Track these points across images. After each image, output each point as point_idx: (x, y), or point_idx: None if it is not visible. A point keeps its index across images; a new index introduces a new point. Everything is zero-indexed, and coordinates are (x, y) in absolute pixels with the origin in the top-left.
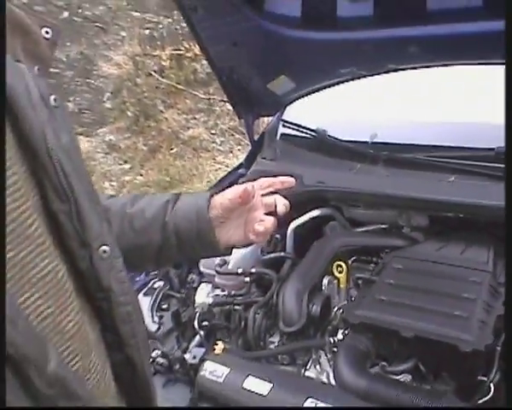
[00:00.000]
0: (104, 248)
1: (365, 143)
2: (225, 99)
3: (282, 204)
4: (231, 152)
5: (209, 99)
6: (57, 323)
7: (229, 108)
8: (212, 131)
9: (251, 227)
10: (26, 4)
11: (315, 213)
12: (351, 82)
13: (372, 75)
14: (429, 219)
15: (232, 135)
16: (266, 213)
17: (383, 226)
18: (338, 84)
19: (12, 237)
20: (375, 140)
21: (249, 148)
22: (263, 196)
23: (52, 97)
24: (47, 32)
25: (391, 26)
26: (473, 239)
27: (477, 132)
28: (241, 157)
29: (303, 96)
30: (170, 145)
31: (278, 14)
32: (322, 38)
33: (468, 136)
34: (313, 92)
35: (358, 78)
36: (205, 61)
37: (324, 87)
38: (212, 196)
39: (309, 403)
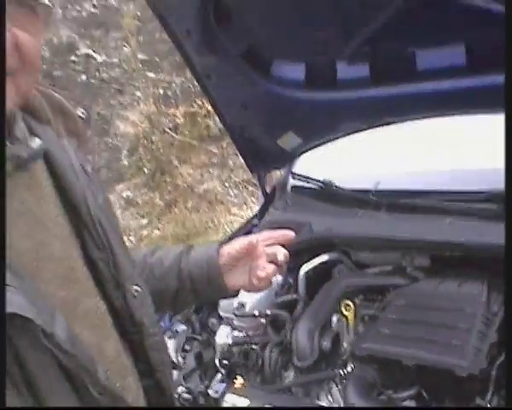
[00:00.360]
0: (136, 288)
1: (369, 191)
2: (237, 153)
3: (281, 254)
4: (245, 204)
5: (222, 153)
6: (100, 349)
7: (242, 161)
8: (226, 184)
9: (255, 274)
10: (54, 79)
11: (324, 257)
12: (353, 135)
13: (371, 128)
14: (431, 258)
15: (246, 187)
16: (269, 262)
17: (387, 268)
18: (341, 137)
19: (64, 279)
20: (378, 188)
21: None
22: (266, 245)
23: (89, 166)
24: (82, 113)
25: (386, 85)
26: (468, 274)
27: (469, 177)
28: (256, 208)
29: (310, 150)
30: (185, 199)
31: (284, 78)
32: (325, 97)
33: (462, 180)
34: (319, 146)
35: (359, 131)
36: (217, 118)
37: (329, 141)
38: (221, 246)
39: None
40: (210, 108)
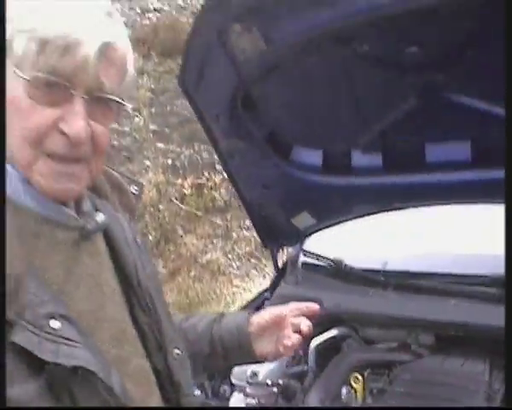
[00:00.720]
0: (177, 351)
1: (377, 271)
2: (242, 226)
3: (306, 325)
4: (247, 276)
5: (226, 225)
6: (145, 404)
7: (246, 234)
8: (229, 256)
9: (281, 343)
10: None
11: (333, 332)
12: (363, 218)
13: (381, 212)
14: (435, 337)
15: (248, 260)
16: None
17: (393, 344)
18: (352, 219)
19: (117, 339)
20: (386, 268)
21: (267, 272)
22: (292, 316)
23: (139, 238)
24: (134, 189)
25: (396, 174)
26: (471, 353)
27: (472, 261)
28: (257, 281)
29: (322, 230)
30: (189, 269)
31: (302, 162)
32: (340, 182)
33: (464, 264)
34: (331, 226)
35: (370, 214)
36: (223, 190)
37: (340, 222)
38: (250, 315)
39: None
40: (217, 180)
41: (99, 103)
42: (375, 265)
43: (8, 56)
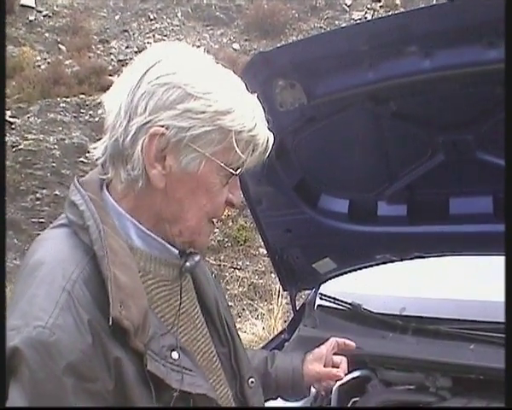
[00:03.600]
0: (252, 379)
1: (395, 315)
2: (235, 266)
3: (345, 363)
4: (240, 316)
5: (219, 265)
6: None
7: (238, 274)
8: None
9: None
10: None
11: (355, 374)
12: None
13: (403, 260)
14: (452, 380)
15: (241, 300)
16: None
17: (411, 387)
18: (371, 266)
19: (206, 369)
20: (404, 313)
21: (260, 312)
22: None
23: (213, 275)
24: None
25: (420, 224)
26: (493, 397)
27: (491, 309)
28: (250, 321)
29: (341, 275)
30: None
31: (329, 210)
32: (364, 230)
33: (484, 311)
34: (350, 272)
35: (389, 262)
36: (216, 230)
37: (360, 268)
38: (304, 356)
39: None
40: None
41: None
42: (393, 310)
43: (201, 145)
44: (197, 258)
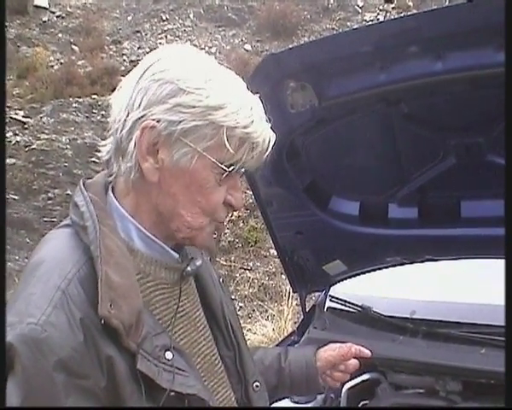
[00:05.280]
0: (257, 383)
1: (406, 318)
2: (245, 267)
3: (354, 366)
4: (250, 317)
5: (230, 266)
6: None
7: (249, 275)
8: (232, 297)
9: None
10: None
11: (365, 376)
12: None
13: (414, 263)
14: (463, 384)
15: (251, 301)
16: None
17: (420, 390)
18: (381, 269)
19: (207, 372)
20: (414, 316)
21: (270, 313)
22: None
23: (221, 278)
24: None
25: (431, 227)
26: (503, 401)
27: (502, 313)
28: (260, 322)
29: (351, 277)
30: None
31: (339, 212)
32: (375, 232)
33: (495, 315)
34: (360, 274)
35: (400, 264)
36: (227, 230)
37: (370, 271)
38: (316, 351)
39: None
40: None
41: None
42: (403, 313)
43: (193, 139)
44: (198, 263)
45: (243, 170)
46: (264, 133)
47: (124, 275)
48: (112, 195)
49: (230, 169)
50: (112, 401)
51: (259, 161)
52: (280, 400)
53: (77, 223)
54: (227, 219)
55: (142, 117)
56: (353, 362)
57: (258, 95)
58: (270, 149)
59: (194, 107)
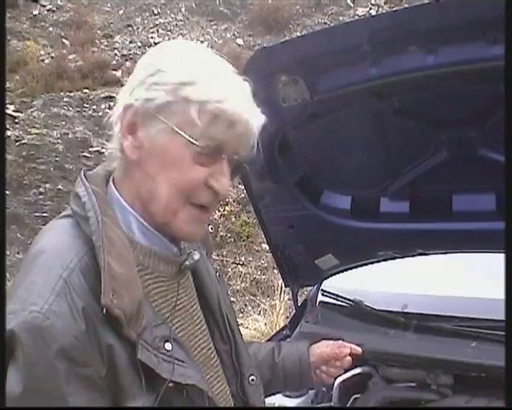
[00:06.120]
0: (252, 377)
1: (397, 312)
2: (237, 262)
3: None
4: (242, 312)
5: (222, 261)
6: None
7: (241, 269)
8: None
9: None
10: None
11: (356, 370)
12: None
13: (405, 257)
14: (454, 378)
15: (243, 295)
16: None
17: (412, 384)
18: (373, 263)
19: (204, 365)
20: (406, 310)
21: (262, 308)
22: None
23: (218, 273)
24: (211, 228)
25: (423, 221)
26: (494, 394)
27: (493, 306)
28: (252, 316)
29: (343, 271)
30: None
31: (331, 206)
32: (367, 226)
33: (486, 309)
34: (352, 268)
35: (391, 258)
36: (220, 226)
37: (362, 265)
38: (310, 345)
39: None
40: (215, 215)
41: (233, 164)
42: (395, 307)
43: (166, 115)
44: (196, 257)
45: (235, 157)
46: (247, 113)
47: (125, 266)
48: (112, 186)
49: (202, 145)
50: (112, 389)
51: (243, 144)
52: (273, 394)
53: (78, 213)
54: (219, 214)
55: (127, 100)
56: (347, 358)
57: (243, 77)
58: (255, 131)
59: (166, 84)
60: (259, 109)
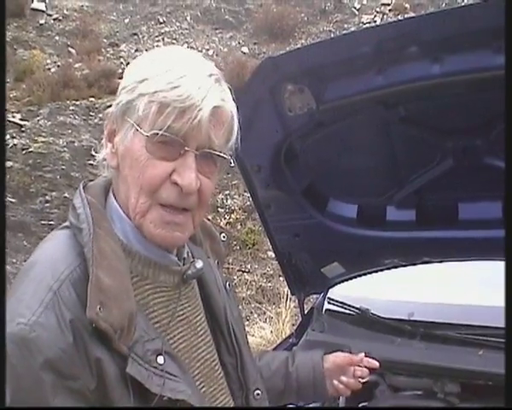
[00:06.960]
0: (258, 391)
1: (404, 320)
2: (243, 269)
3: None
4: (248, 319)
5: (228, 268)
6: None
7: (247, 277)
8: None
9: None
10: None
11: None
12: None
13: (411, 266)
14: (461, 386)
15: (249, 303)
16: None
17: (419, 392)
18: (379, 271)
19: (206, 377)
20: (412, 318)
21: (268, 316)
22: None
23: (227, 283)
24: (223, 236)
25: (429, 230)
26: (501, 403)
27: (500, 314)
28: (258, 324)
29: (349, 280)
30: None
31: (337, 215)
32: (373, 235)
33: (493, 317)
34: (358, 277)
35: (398, 267)
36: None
37: (368, 273)
38: (324, 355)
39: None
40: (221, 223)
41: (207, 159)
42: (401, 315)
43: (129, 115)
44: (199, 265)
45: (204, 150)
46: (197, 101)
47: (116, 278)
48: (112, 196)
49: (151, 134)
50: (102, 403)
51: (203, 135)
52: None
53: (74, 225)
54: (224, 222)
55: None
56: (364, 369)
57: (215, 76)
58: (206, 114)
59: (128, 85)
60: (229, 101)
